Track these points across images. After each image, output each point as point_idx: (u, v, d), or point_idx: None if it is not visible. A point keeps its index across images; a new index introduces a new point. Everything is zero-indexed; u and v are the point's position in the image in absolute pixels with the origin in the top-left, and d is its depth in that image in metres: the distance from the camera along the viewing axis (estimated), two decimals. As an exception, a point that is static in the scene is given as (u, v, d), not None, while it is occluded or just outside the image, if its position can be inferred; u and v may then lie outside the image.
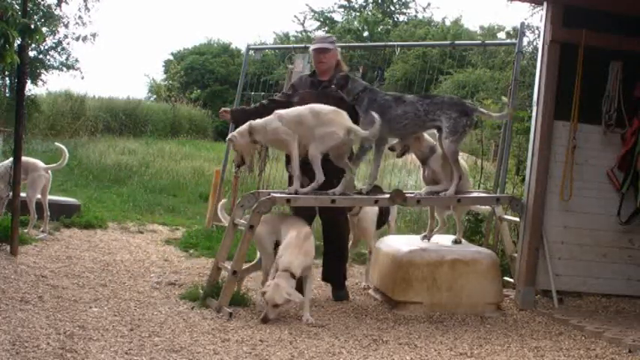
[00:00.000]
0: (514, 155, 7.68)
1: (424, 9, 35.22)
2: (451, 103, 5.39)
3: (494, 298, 5.61)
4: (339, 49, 6.00)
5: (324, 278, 5.95)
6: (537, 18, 11.81)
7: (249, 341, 4.45)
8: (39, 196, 7.49)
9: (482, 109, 5.60)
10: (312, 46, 5.95)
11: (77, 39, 20.27)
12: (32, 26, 6.32)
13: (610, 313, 5.79)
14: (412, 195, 5.64)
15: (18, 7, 6.34)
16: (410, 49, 24.73)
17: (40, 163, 7.56)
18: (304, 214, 5.49)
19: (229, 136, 5.59)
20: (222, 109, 6.21)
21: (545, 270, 5.90)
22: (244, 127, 5.38)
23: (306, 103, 5.64)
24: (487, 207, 6.62)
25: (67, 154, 7.82)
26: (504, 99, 5.97)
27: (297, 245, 5.05)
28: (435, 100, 5.42)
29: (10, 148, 8.44)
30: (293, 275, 4.94)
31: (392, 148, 5.74)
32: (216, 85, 31.07)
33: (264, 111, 5.69)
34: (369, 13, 33.41)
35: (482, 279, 5.56)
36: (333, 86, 5.52)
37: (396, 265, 5.59)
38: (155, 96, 30.61)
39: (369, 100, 5.37)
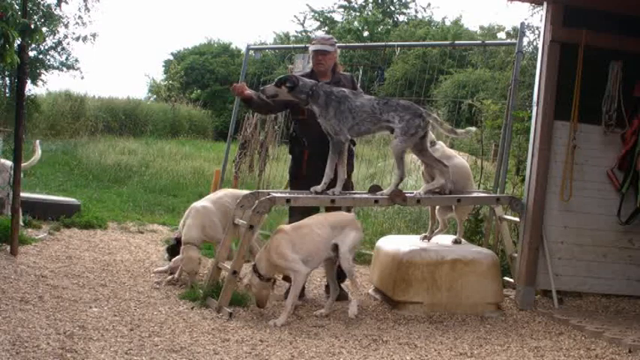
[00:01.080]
0: (514, 155, 7.68)
1: (424, 9, 35.25)
2: (405, 106, 5.39)
3: (494, 298, 5.61)
4: (338, 51, 5.99)
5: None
6: (537, 18, 11.85)
7: (249, 341, 4.45)
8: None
9: (435, 117, 5.57)
10: (312, 47, 5.92)
11: (77, 39, 20.24)
12: (32, 26, 6.32)
13: (610, 313, 5.79)
14: (412, 195, 5.65)
15: (18, 7, 6.34)
16: (410, 49, 24.71)
17: (9, 163, 7.55)
18: (303, 215, 5.49)
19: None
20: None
21: (545, 270, 5.91)
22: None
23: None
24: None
25: (40, 152, 7.87)
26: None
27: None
28: (390, 102, 5.42)
29: (10, 148, 8.44)
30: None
31: None
32: (216, 85, 31.07)
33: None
34: (369, 13, 33.40)
35: (483, 279, 5.57)
36: (281, 86, 5.44)
37: (396, 265, 5.59)
38: (155, 96, 30.62)
39: (326, 93, 5.34)
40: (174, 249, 6.46)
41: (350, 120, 5.32)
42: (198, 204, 6.22)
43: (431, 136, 5.75)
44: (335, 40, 6.10)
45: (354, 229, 5.26)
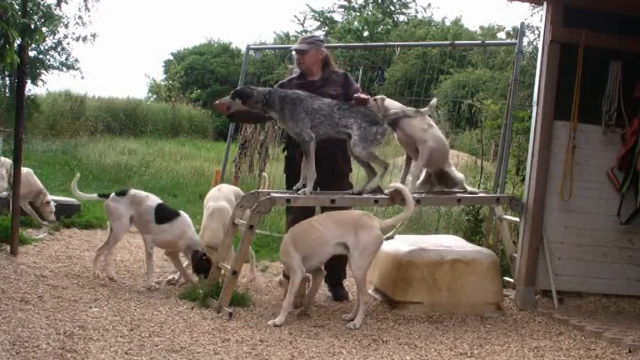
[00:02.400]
0: (514, 155, 7.68)
1: (424, 9, 35.26)
2: (365, 113, 5.34)
3: (494, 298, 5.61)
4: (324, 49, 5.94)
5: (325, 278, 5.96)
6: (537, 18, 11.85)
7: (249, 341, 4.45)
8: None
9: (397, 111, 5.47)
10: (294, 47, 5.99)
11: (77, 39, 20.20)
12: (32, 26, 6.32)
13: (610, 313, 5.79)
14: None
15: (18, 7, 6.34)
16: (410, 49, 24.73)
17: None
18: (304, 215, 5.50)
19: None
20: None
21: (545, 270, 5.90)
22: None
23: None
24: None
25: None
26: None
27: None
28: (352, 108, 5.36)
29: (10, 148, 8.45)
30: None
31: None
32: (216, 85, 31.09)
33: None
34: (369, 13, 33.41)
35: (483, 279, 5.56)
36: (235, 99, 5.37)
37: (396, 265, 5.59)
38: (155, 96, 30.63)
39: (280, 98, 5.27)
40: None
41: (308, 121, 5.23)
42: (221, 205, 6.15)
43: (395, 104, 5.62)
44: (318, 38, 6.16)
45: (366, 229, 5.02)
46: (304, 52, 5.83)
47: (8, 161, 8.07)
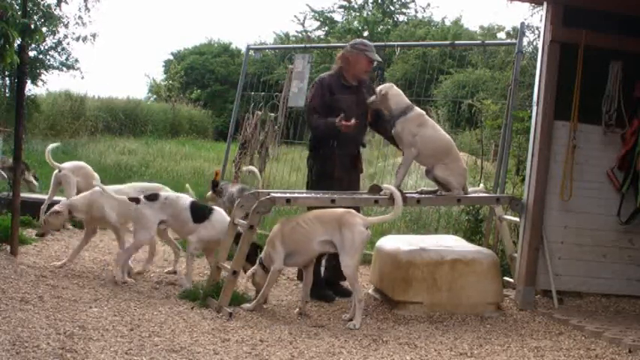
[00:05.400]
0: (514, 155, 7.67)
1: (424, 9, 35.25)
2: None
3: (494, 298, 5.61)
4: None
5: (329, 276, 5.97)
6: (537, 18, 11.84)
7: (249, 341, 4.45)
8: None
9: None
10: (371, 55, 5.83)
11: (77, 39, 20.19)
12: (32, 26, 6.32)
13: (610, 313, 5.79)
14: (412, 195, 5.65)
15: (18, 7, 6.34)
16: (410, 49, 24.69)
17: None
18: None
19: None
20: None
21: (545, 270, 5.90)
22: (62, 206, 6.19)
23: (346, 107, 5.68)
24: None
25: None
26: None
27: None
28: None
29: (10, 148, 8.45)
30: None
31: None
32: (216, 85, 31.12)
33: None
34: (369, 13, 33.40)
35: (483, 279, 5.56)
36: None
37: (396, 265, 5.59)
38: (155, 96, 30.65)
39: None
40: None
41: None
42: None
43: (402, 101, 5.59)
44: None
45: (348, 227, 5.01)
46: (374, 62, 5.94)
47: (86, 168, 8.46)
